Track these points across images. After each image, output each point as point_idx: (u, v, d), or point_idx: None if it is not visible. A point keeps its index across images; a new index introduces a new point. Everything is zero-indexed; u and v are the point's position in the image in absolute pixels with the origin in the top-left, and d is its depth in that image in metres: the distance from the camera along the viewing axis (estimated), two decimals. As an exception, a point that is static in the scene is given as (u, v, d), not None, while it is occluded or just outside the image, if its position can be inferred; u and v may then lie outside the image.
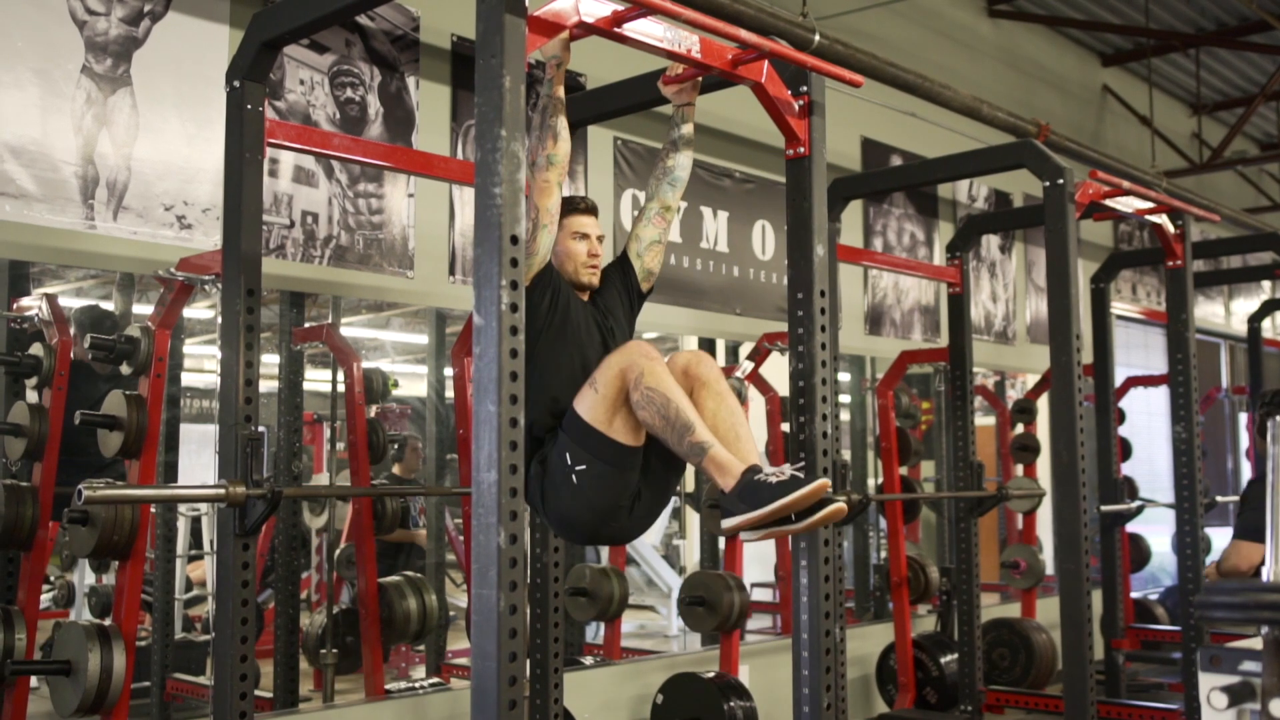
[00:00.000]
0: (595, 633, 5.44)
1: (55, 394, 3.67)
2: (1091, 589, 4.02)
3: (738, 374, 5.27)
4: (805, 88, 3.04)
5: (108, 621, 3.31)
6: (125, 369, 3.49)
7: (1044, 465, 6.52)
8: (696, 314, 5.58)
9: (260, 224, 3.07)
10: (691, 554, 6.72)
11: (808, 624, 2.93)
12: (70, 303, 4.19)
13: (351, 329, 5.23)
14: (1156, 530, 7.71)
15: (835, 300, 3.49)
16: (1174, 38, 8.55)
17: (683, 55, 2.83)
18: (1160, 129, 9.25)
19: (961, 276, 5.22)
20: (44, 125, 3.62)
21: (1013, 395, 7.73)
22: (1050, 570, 6.81)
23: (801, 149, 3.06)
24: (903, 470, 5.77)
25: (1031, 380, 7.49)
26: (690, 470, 6.14)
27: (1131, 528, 6.64)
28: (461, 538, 5.20)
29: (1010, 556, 6.50)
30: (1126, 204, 4.55)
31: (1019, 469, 6.61)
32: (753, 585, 6.03)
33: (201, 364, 4.95)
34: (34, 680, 3.68)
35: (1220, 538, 9.50)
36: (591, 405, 2.76)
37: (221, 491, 2.93)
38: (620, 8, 2.64)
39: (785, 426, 5.59)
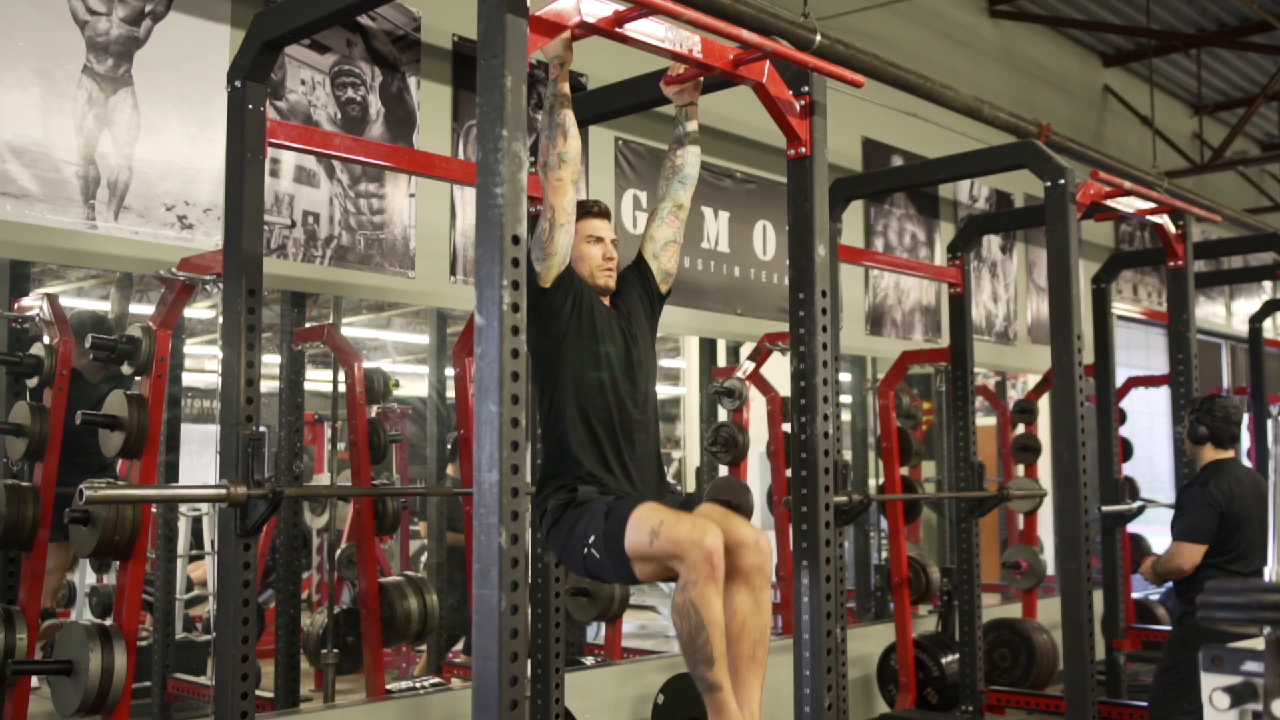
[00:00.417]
0: (596, 633, 5.44)
1: (56, 394, 3.67)
2: (1092, 589, 4.01)
3: (739, 374, 5.27)
4: (806, 88, 3.04)
5: (109, 621, 3.31)
6: (126, 369, 3.49)
7: (1045, 465, 6.52)
8: (698, 314, 5.58)
9: (262, 224, 3.07)
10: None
11: (809, 624, 2.93)
12: (71, 303, 4.19)
13: (352, 329, 5.24)
14: (1157, 531, 7.70)
15: (836, 300, 3.49)
16: (1175, 38, 8.55)
17: (684, 55, 2.83)
18: (1161, 129, 9.24)
19: (962, 277, 5.22)
20: (45, 125, 3.62)
21: (1014, 395, 7.73)
22: (1051, 570, 6.81)
23: (803, 149, 3.06)
24: (904, 470, 5.77)
25: (1032, 380, 7.49)
26: (691, 470, 6.14)
27: (1132, 528, 6.63)
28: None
29: (1011, 557, 6.50)
30: (1128, 204, 4.54)
31: (1020, 469, 6.60)
32: (754, 585, 6.02)
33: (202, 364, 4.95)
34: (34, 680, 3.68)
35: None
36: (636, 545, 2.67)
37: (223, 491, 2.93)
38: (621, 8, 2.64)
39: (786, 426, 5.59)
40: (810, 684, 2.91)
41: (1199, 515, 4.38)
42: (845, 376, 6.67)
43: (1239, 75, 9.86)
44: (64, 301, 4.00)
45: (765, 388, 5.68)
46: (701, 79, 3.12)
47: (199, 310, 4.56)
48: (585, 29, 2.63)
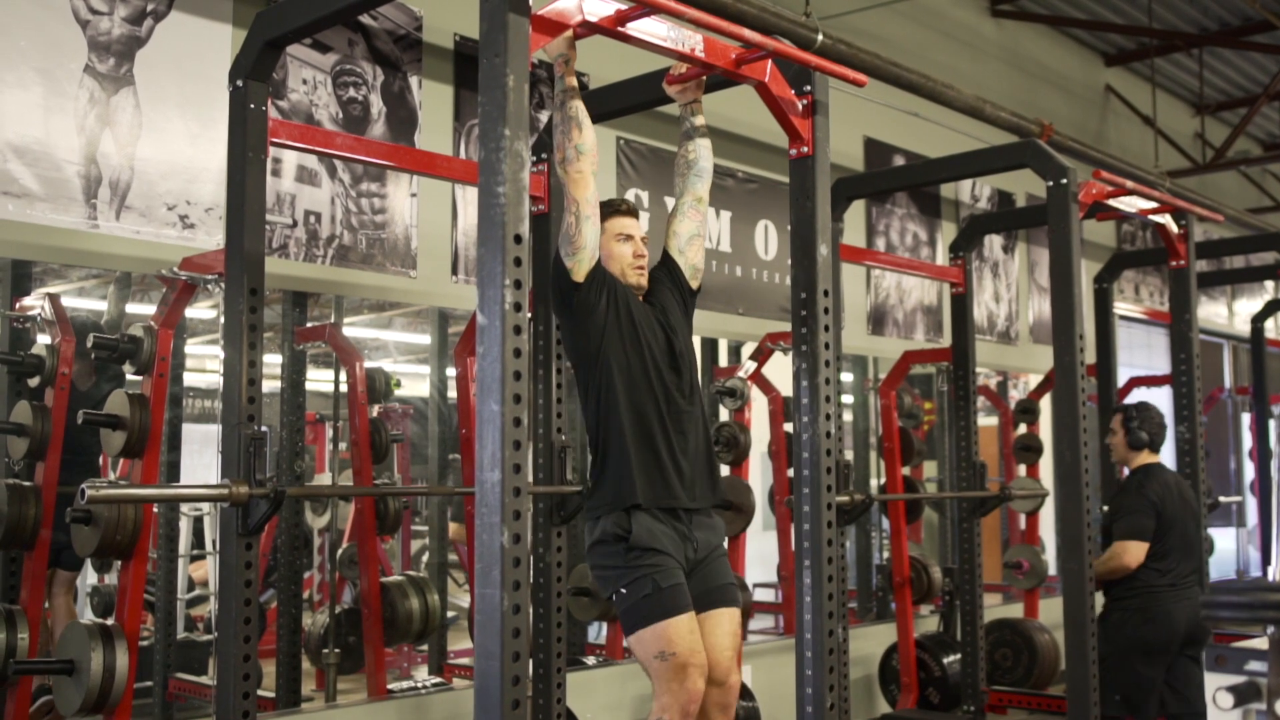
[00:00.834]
0: (598, 633, 5.44)
1: (58, 394, 3.67)
2: (1094, 589, 4.01)
3: (740, 374, 5.27)
4: (809, 87, 3.04)
5: (110, 621, 3.31)
6: (128, 368, 3.49)
7: (1046, 465, 6.52)
8: (699, 314, 5.53)
9: (263, 223, 3.07)
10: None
11: (811, 624, 2.93)
12: (72, 302, 4.19)
13: (354, 329, 5.23)
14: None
15: (838, 300, 3.48)
16: (1177, 37, 8.54)
17: (686, 55, 2.83)
18: (1163, 129, 9.24)
19: (964, 276, 5.22)
20: (47, 125, 3.62)
21: (1015, 395, 7.72)
22: (1053, 570, 6.80)
23: (805, 149, 3.06)
24: (905, 470, 5.77)
25: (1034, 380, 7.48)
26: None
27: (1134, 528, 6.62)
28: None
29: (1013, 557, 6.49)
30: (1130, 204, 4.54)
31: (1021, 469, 6.60)
32: (755, 585, 6.03)
33: (204, 364, 4.95)
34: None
35: (1223, 538, 9.52)
36: (642, 646, 2.87)
37: (224, 491, 2.93)
38: (624, 7, 2.64)
39: (788, 426, 5.59)
40: (812, 684, 2.91)
41: (1141, 515, 4.57)
42: (847, 376, 6.67)
43: (1241, 75, 9.85)
44: (65, 301, 4.00)
45: (767, 387, 5.68)
46: (704, 78, 3.12)
47: (200, 310, 4.56)
48: (587, 28, 2.63)
